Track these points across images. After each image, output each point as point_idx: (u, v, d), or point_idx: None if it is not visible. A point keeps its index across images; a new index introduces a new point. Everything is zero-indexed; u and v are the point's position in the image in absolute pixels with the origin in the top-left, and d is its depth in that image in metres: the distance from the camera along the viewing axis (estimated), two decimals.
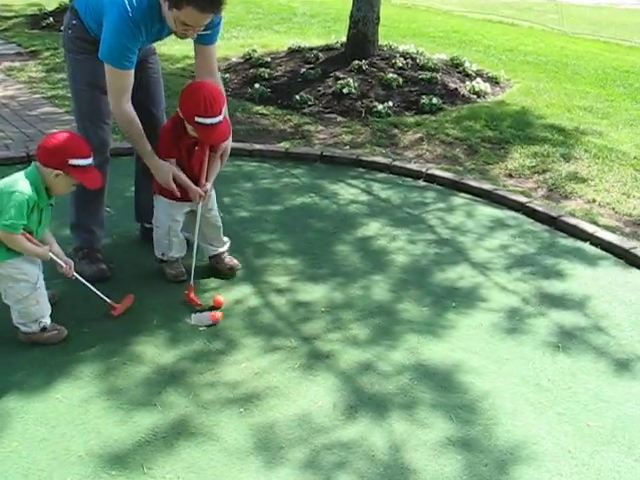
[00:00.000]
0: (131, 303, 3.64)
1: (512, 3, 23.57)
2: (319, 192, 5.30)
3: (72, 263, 3.41)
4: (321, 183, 5.48)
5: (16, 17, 12.22)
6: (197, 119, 3.42)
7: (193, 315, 3.59)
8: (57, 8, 11.78)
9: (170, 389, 3.08)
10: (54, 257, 3.31)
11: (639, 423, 3.05)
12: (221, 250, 4.02)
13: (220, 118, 3.47)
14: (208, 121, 3.42)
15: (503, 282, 4.15)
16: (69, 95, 7.16)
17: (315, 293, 3.92)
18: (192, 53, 3.86)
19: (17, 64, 8.93)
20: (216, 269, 4.01)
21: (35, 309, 3.27)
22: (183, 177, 3.66)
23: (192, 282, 3.76)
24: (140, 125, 3.56)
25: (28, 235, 3.16)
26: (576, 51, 12.01)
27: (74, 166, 3.13)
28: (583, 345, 3.59)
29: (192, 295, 3.72)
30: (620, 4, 28.45)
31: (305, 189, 5.33)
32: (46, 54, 9.34)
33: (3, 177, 3.22)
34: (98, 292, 3.51)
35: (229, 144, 3.82)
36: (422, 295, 3.97)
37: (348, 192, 5.35)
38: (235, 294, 3.85)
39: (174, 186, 3.63)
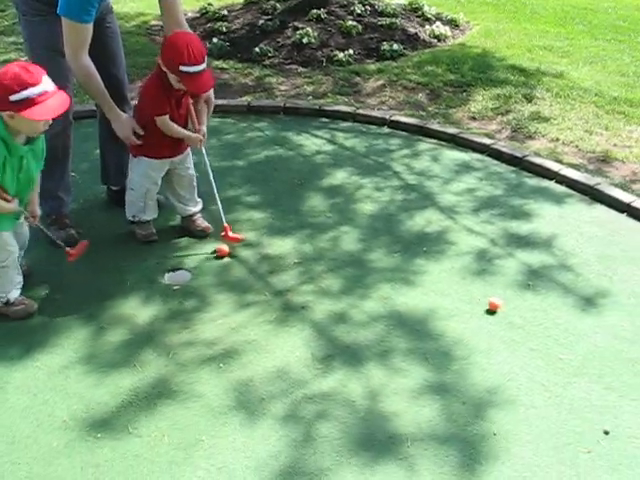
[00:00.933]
0: (85, 247, 3.55)
1: None
2: (284, 144, 5.28)
3: (38, 213, 3.31)
4: (285, 135, 5.45)
5: None
6: (182, 68, 3.36)
7: (167, 274, 3.60)
8: None
9: (149, 349, 3.10)
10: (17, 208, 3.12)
11: (608, 353, 3.15)
12: (194, 210, 4.01)
13: (204, 65, 3.43)
14: (193, 69, 3.38)
15: (471, 225, 4.20)
16: (23, 59, 7.07)
17: (285, 246, 3.93)
18: (146, 10, 3.80)
19: None
20: (188, 229, 4.00)
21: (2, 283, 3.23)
22: (177, 128, 3.64)
23: (225, 222, 3.83)
24: (99, 78, 3.51)
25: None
26: None
27: (18, 101, 2.78)
28: (552, 282, 3.67)
29: (230, 234, 3.80)
30: None
31: (270, 142, 5.30)
32: None
33: None
34: (49, 233, 3.47)
35: (211, 92, 3.79)
36: (392, 242, 4.00)
37: (313, 143, 5.33)
38: (205, 251, 3.85)
39: (134, 139, 3.62)
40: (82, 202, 4.29)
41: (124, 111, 3.81)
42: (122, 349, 3.10)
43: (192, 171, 3.95)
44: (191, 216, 4.00)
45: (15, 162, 3.00)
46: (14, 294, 3.28)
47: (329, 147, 5.27)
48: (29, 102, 2.78)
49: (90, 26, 3.40)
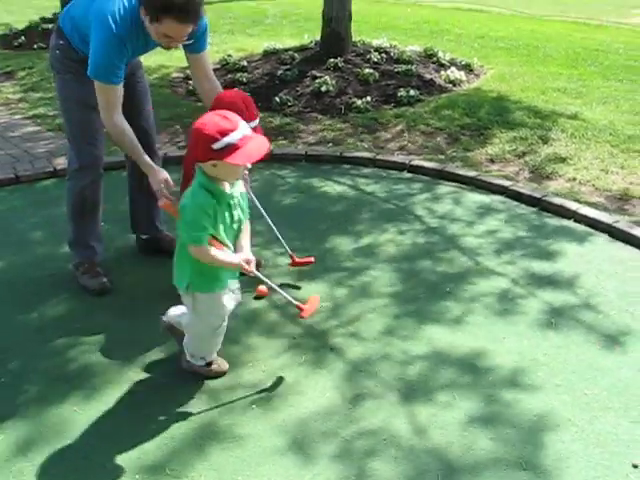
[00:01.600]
0: (317, 302, 3.52)
1: None
2: (307, 191, 5.41)
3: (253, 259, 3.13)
4: (308, 182, 5.59)
5: None
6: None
7: None
8: (28, 26, 11.82)
9: (186, 393, 3.17)
10: (245, 266, 3.03)
11: (633, 387, 3.20)
12: None
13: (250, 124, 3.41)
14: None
15: (493, 266, 4.29)
16: (50, 114, 7.33)
17: (315, 290, 4.02)
18: (167, 63, 3.97)
19: None
20: None
21: (208, 346, 3.26)
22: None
23: (289, 251, 3.99)
24: (133, 135, 3.65)
25: (217, 244, 2.96)
26: (545, 33, 12.19)
27: (221, 149, 2.76)
28: (574, 320, 3.73)
29: (297, 259, 3.96)
30: None
31: (293, 189, 5.44)
32: (22, 74, 9.37)
33: None
34: (284, 294, 3.43)
35: None
36: (417, 284, 4.09)
37: (335, 189, 5.46)
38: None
39: (167, 192, 3.74)
40: (112, 251, 4.41)
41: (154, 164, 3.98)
42: (157, 393, 3.18)
43: None
44: None
45: (225, 210, 2.96)
46: (214, 355, 3.34)
47: (351, 193, 5.40)
48: (231, 148, 2.77)
49: (120, 87, 3.57)
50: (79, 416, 3.04)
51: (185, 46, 3.74)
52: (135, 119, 3.93)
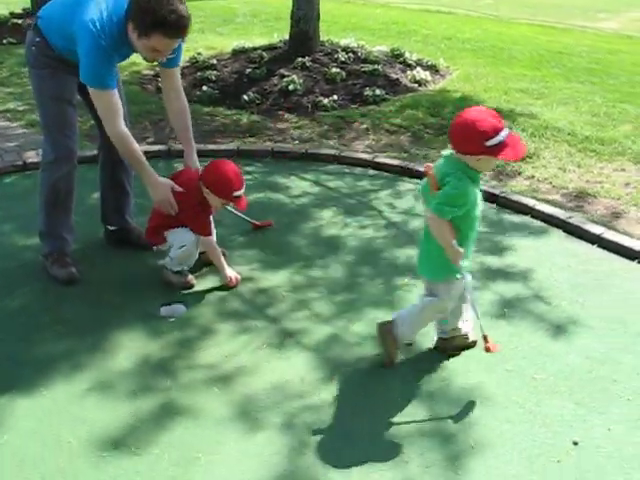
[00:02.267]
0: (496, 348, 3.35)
1: None
2: (272, 187, 5.53)
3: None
4: (274, 178, 5.71)
5: None
6: (235, 194, 3.88)
7: (162, 308, 3.80)
8: None
9: (150, 376, 3.30)
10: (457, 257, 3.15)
11: (578, 372, 3.38)
12: None
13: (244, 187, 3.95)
14: (241, 192, 3.90)
15: None
16: (20, 109, 7.37)
17: (275, 279, 4.16)
18: (138, 60, 4.08)
19: None
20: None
21: (420, 327, 3.44)
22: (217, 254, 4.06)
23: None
24: (136, 145, 3.78)
25: (451, 229, 3.11)
26: (512, 35, 12.41)
27: (493, 146, 2.93)
28: (527, 309, 3.90)
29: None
30: None
31: (259, 185, 5.55)
32: None
33: None
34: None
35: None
36: (375, 274, 4.24)
37: (300, 185, 5.59)
38: (201, 285, 4.08)
39: (174, 203, 3.86)
40: (81, 242, 4.48)
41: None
42: (122, 375, 3.30)
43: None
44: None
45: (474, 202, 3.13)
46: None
47: (316, 188, 5.53)
48: (502, 145, 2.95)
49: (115, 91, 3.68)
50: (45, 399, 3.14)
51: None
52: None
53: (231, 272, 4.05)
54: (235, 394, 3.19)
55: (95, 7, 3.53)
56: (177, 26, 3.46)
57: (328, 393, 3.20)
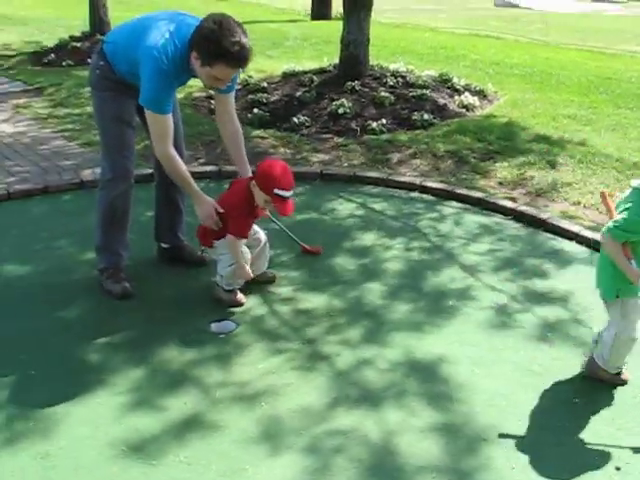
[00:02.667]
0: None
1: (500, 16, 24.04)
2: (319, 208, 5.65)
3: None
4: (321, 200, 5.83)
5: (18, 55, 12.59)
6: (276, 191, 3.85)
7: (213, 324, 3.94)
8: (57, 44, 12.16)
9: (193, 389, 3.44)
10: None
11: (622, 397, 3.44)
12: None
13: (292, 193, 3.94)
14: (285, 194, 3.89)
15: (492, 282, 4.51)
16: (77, 129, 7.63)
17: (316, 301, 4.26)
18: (191, 82, 4.25)
19: (23, 101, 9.27)
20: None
21: (624, 354, 3.46)
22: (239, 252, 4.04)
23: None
24: (184, 166, 3.96)
25: (626, 251, 3.23)
26: (560, 61, 12.41)
27: None
28: (571, 333, 3.96)
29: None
30: (604, 10, 28.96)
31: (306, 206, 5.67)
32: (51, 90, 9.67)
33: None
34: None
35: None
36: (418, 297, 4.33)
37: (346, 207, 5.70)
38: (245, 304, 4.20)
39: (218, 220, 3.99)
40: (134, 259, 4.65)
41: None
42: (171, 388, 3.43)
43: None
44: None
45: None
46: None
47: (361, 211, 5.64)
48: None
49: (170, 116, 3.85)
50: (100, 407, 3.30)
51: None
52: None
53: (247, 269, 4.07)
54: (259, 414, 3.28)
55: (160, 34, 3.71)
56: (240, 57, 3.62)
57: (353, 418, 3.26)
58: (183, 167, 3.96)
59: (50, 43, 12.45)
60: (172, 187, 4.40)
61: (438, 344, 3.84)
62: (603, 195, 3.36)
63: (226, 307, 4.12)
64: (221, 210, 4.00)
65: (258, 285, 4.33)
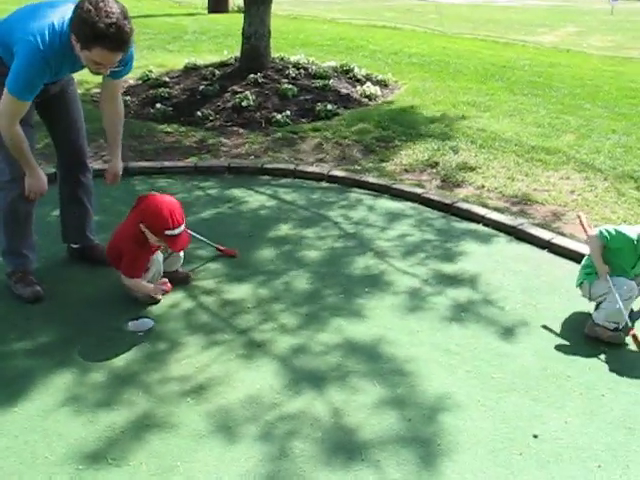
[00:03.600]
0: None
1: (393, 6, 24.44)
2: (230, 201, 5.62)
3: None
4: (231, 193, 5.80)
5: None
6: (167, 232, 3.80)
7: (130, 322, 3.86)
8: None
9: (123, 389, 3.34)
10: None
11: (534, 371, 3.55)
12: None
13: (183, 226, 3.87)
14: (176, 232, 3.83)
15: (404, 267, 4.60)
16: None
17: (241, 291, 4.25)
18: (89, 79, 4.12)
19: None
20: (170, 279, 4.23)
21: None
22: (141, 285, 4.00)
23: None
24: (27, 141, 3.75)
25: None
26: (457, 50, 12.73)
27: None
28: (482, 313, 4.07)
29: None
30: (494, 1, 29.85)
31: (217, 200, 5.64)
32: None
33: None
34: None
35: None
36: (337, 284, 4.36)
37: (257, 199, 5.69)
38: (169, 299, 4.13)
39: (44, 191, 3.90)
40: (44, 261, 4.51)
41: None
42: (98, 390, 3.33)
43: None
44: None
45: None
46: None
47: (272, 202, 5.64)
48: None
49: (29, 103, 3.66)
50: (18, 415, 3.16)
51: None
52: (67, 134, 4.16)
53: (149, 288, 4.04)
54: (210, 405, 3.25)
55: (39, 19, 3.54)
56: (116, 39, 3.40)
57: (301, 402, 3.29)
58: (27, 143, 3.76)
59: None
60: (77, 186, 4.29)
61: (368, 326, 3.90)
62: (579, 218, 4.11)
63: (143, 305, 4.04)
64: (45, 190, 3.91)
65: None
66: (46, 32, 3.50)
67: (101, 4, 3.35)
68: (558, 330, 3.91)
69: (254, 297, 4.20)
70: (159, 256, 4.11)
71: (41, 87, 3.66)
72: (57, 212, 4.58)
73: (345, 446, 3.02)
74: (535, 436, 3.08)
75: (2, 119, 3.65)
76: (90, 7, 3.34)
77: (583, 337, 3.85)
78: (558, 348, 3.75)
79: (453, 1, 28.13)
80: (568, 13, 25.67)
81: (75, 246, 4.49)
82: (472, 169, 6.27)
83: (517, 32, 17.56)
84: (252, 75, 8.38)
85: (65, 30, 3.51)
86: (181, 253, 4.31)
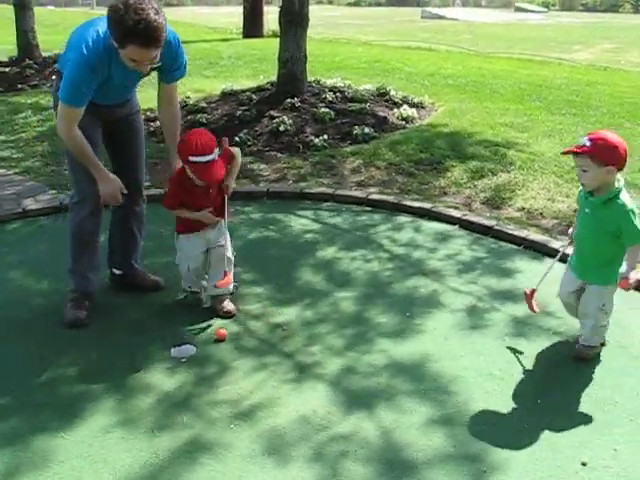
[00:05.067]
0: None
1: (427, 27, 24.48)
2: (271, 226, 5.65)
3: None
4: (271, 217, 5.83)
5: None
6: (191, 158, 3.84)
7: (173, 349, 3.88)
8: None
9: (170, 414, 3.36)
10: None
11: (583, 395, 3.52)
12: (218, 292, 4.26)
13: (212, 157, 3.86)
14: (200, 159, 3.83)
15: (456, 285, 4.62)
16: (14, 156, 7.46)
17: (288, 314, 4.27)
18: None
19: None
20: (214, 310, 4.27)
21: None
22: (186, 213, 4.14)
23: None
24: (88, 144, 3.86)
25: None
26: (492, 70, 12.71)
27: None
28: (540, 328, 4.10)
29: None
30: (527, 19, 29.74)
31: (257, 224, 5.67)
32: None
33: None
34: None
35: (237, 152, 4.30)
36: (386, 305, 4.38)
37: (298, 223, 5.72)
38: (217, 324, 4.16)
39: (120, 198, 4.00)
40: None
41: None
42: (141, 415, 3.35)
43: (223, 249, 4.26)
44: (217, 296, 4.28)
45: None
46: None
47: (314, 226, 5.66)
48: None
49: (82, 109, 3.79)
50: (66, 441, 3.19)
51: (160, 75, 4.02)
52: (130, 167, 4.30)
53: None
54: (260, 428, 3.26)
55: (88, 31, 3.70)
56: (145, 35, 3.47)
57: (351, 422, 3.29)
58: (88, 145, 3.86)
59: None
60: (130, 214, 4.37)
61: (416, 347, 3.91)
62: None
63: (187, 331, 4.07)
64: (124, 190, 4.03)
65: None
66: (90, 39, 3.66)
67: (131, 1, 3.47)
68: (605, 354, 3.85)
69: (300, 320, 4.21)
70: (197, 253, 4.19)
71: (90, 93, 3.77)
72: (105, 237, 4.64)
73: (396, 466, 3.02)
74: (584, 464, 3.03)
75: (60, 124, 3.83)
76: (120, 6, 3.48)
77: (632, 362, 3.78)
78: (606, 373, 3.69)
79: (485, 20, 28.11)
80: (603, 30, 25.54)
81: (117, 272, 4.54)
82: (512, 191, 6.23)
83: (552, 50, 17.49)
84: (289, 100, 8.44)
85: (108, 34, 3.63)
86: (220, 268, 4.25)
